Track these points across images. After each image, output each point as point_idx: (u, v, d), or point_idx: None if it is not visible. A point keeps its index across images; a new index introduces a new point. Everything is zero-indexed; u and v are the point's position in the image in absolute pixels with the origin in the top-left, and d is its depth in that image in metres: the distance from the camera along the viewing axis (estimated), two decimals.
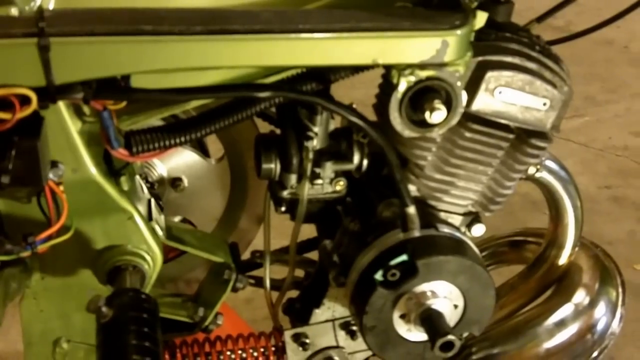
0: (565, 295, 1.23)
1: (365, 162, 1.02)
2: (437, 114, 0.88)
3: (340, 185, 1.02)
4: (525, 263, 1.30)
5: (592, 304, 1.22)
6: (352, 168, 1.02)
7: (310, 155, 0.98)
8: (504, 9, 0.96)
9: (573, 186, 1.18)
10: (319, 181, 1.00)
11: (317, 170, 1.00)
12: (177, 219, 1.29)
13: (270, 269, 1.13)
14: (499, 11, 0.95)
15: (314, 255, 1.16)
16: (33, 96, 0.73)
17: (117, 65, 0.76)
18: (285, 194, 1.02)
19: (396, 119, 0.89)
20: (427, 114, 0.88)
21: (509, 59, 0.94)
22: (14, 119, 0.73)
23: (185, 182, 1.27)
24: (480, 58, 0.92)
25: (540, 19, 1.10)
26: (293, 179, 1.00)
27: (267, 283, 1.13)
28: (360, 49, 0.83)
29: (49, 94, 0.74)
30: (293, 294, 1.16)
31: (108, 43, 0.74)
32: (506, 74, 0.93)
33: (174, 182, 1.26)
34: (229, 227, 1.30)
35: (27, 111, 0.73)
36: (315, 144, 0.98)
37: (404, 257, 0.95)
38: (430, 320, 0.96)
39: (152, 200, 1.03)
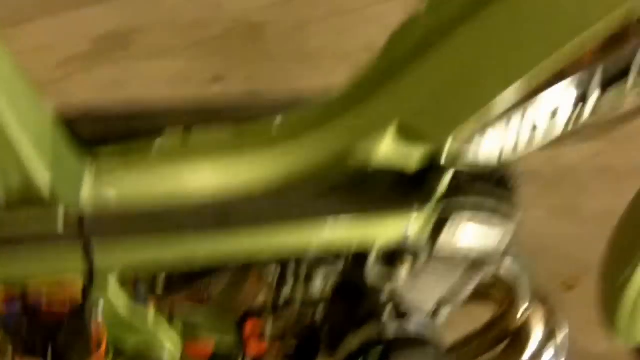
0: (516, 353, 1.38)
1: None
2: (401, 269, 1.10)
3: None
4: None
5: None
6: None
7: None
8: None
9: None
10: None
11: None
12: None
13: None
14: None
15: None
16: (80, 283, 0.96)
17: (149, 260, 0.95)
18: None
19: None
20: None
21: (471, 199, 1.06)
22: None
23: None
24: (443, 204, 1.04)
25: None
26: None
27: None
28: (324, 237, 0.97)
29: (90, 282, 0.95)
30: None
31: (144, 243, 0.93)
32: (467, 215, 1.05)
33: None
34: None
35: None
36: None
37: None
38: None
39: None
